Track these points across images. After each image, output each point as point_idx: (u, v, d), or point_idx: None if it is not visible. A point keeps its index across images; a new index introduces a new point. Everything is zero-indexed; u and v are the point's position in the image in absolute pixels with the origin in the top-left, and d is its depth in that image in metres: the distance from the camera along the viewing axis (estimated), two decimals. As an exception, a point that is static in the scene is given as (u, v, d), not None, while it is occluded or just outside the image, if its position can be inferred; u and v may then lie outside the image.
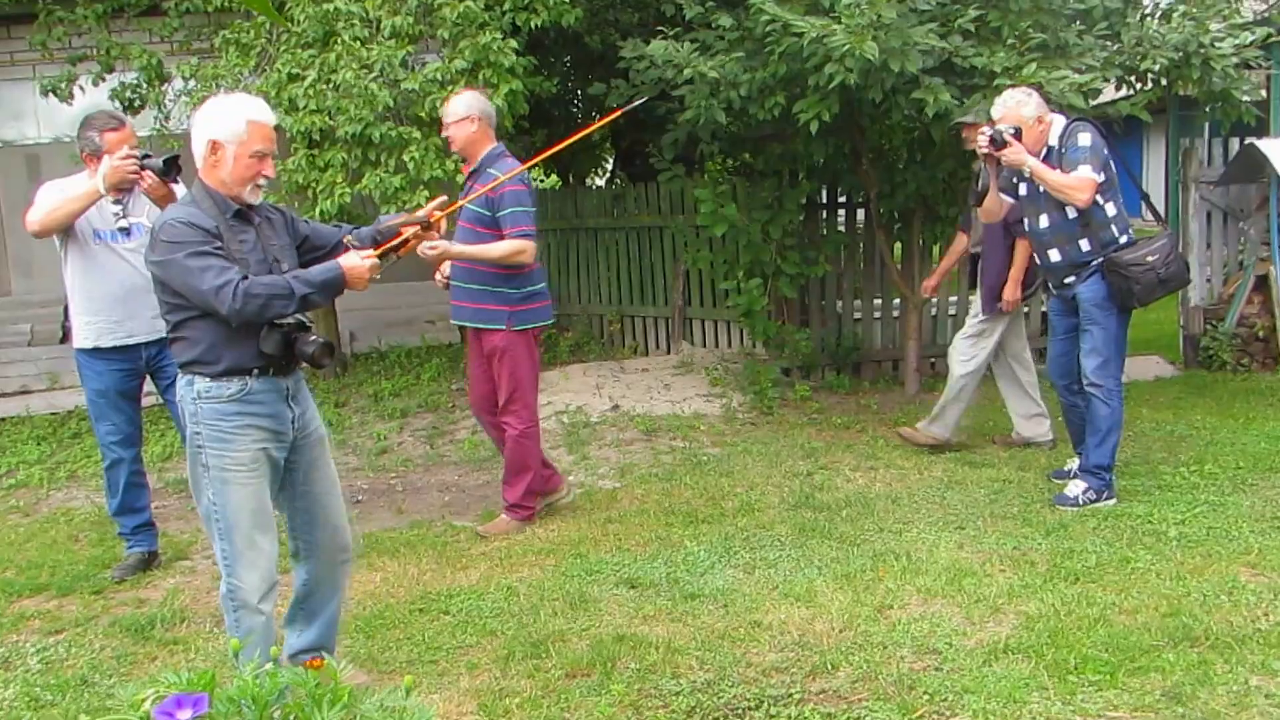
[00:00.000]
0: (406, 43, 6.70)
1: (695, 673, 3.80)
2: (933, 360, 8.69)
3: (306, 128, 6.51)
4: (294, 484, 3.63)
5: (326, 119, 6.56)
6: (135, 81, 7.93)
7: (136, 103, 7.87)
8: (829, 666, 3.77)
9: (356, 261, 3.42)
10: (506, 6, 6.96)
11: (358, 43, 6.65)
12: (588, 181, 13.02)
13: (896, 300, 8.78)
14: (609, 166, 13.82)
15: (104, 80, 8.29)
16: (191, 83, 7.36)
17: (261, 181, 3.47)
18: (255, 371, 3.42)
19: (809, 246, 8.53)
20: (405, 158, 6.51)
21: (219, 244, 3.33)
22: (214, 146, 3.41)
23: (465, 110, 5.21)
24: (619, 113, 4.78)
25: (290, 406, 3.52)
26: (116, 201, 4.89)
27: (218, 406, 3.40)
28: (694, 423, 7.53)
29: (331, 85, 6.55)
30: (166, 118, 7.72)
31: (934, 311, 8.93)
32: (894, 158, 8.52)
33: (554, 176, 14.47)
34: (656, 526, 5.46)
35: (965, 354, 6.45)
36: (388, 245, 3.62)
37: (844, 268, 8.98)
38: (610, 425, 7.59)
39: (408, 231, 3.67)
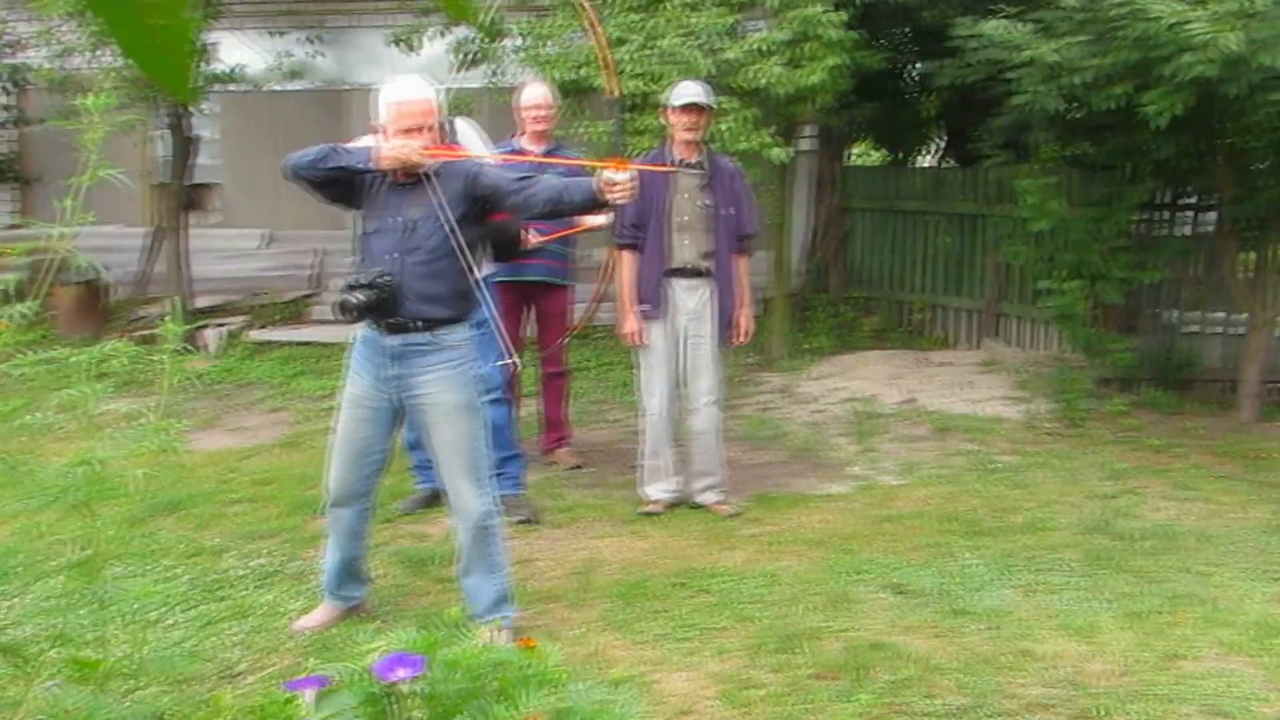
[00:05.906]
0: (733, 10, 6.63)
1: (951, 695, 3.58)
2: (1277, 385, 7.81)
3: (628, 92, 6.57)
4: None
5: (648, 83, 6.60)
6: (475, 36, 8.24)
7: (474, 57, 8.18)
8: (1100, 712, 3.44)
9: (384, 147, 3.77)
10: (837, -22, 6.78)
11: (685, 8, 6.65)
12: (911, 161, 12.56)
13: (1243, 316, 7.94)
14: (941, 145, 13.25)
15: (450, 33, 8.65)
16: (526, 39, 7.59)
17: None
18: (368, 324, 3.89)
19: (1143, 250, 7.85)
20: (722, 127, 6.46)
21: (358, 177, 3.84)
22: (374, 129, 3.96)
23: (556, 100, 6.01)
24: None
25: (390, 365, 3.87)
26: None
27: (355, 344, 3.98)
28: (991, 426, 7.13)
29: (655, 51, 6.58)
30: (499, 73, 8.00)
31: (1282, 332, 8.02)
32: (1252, 159, 7.66)
33: (881, 153, 14.05)
34: (933, 532, 5.20)
35: None
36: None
37: (1182, 276, 8.23)
38: (901, 419, 7.31)
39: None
